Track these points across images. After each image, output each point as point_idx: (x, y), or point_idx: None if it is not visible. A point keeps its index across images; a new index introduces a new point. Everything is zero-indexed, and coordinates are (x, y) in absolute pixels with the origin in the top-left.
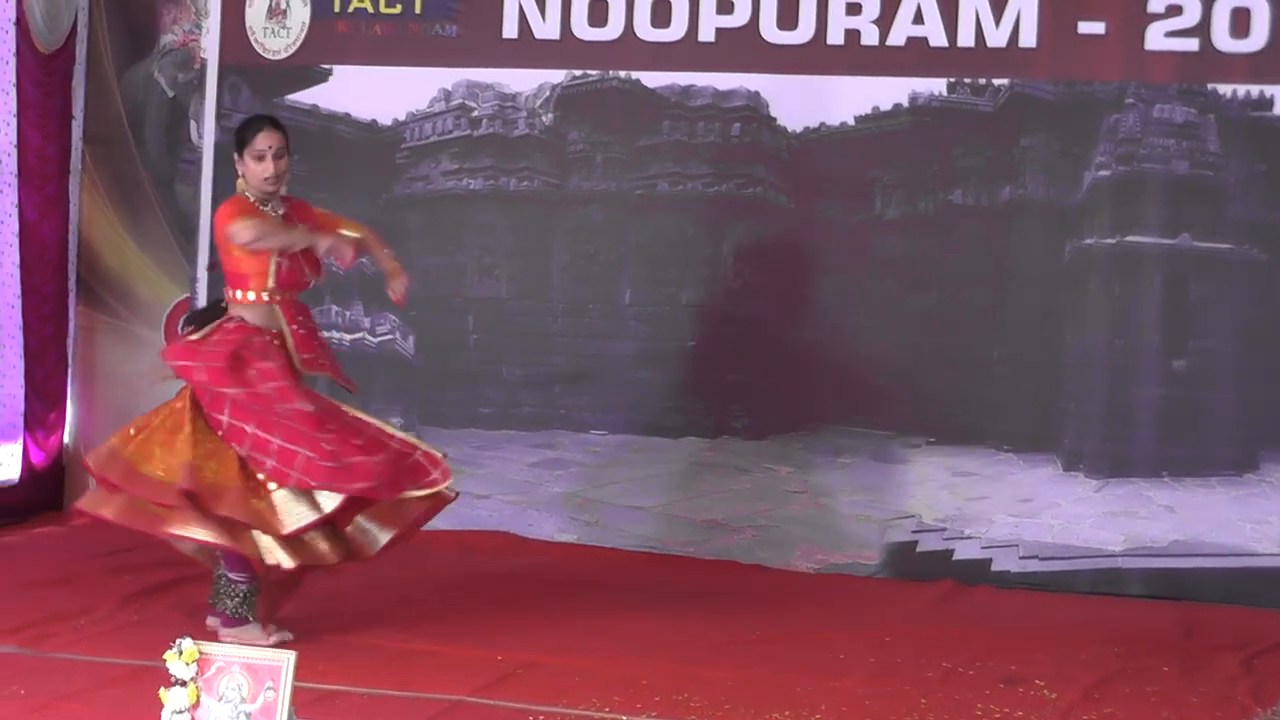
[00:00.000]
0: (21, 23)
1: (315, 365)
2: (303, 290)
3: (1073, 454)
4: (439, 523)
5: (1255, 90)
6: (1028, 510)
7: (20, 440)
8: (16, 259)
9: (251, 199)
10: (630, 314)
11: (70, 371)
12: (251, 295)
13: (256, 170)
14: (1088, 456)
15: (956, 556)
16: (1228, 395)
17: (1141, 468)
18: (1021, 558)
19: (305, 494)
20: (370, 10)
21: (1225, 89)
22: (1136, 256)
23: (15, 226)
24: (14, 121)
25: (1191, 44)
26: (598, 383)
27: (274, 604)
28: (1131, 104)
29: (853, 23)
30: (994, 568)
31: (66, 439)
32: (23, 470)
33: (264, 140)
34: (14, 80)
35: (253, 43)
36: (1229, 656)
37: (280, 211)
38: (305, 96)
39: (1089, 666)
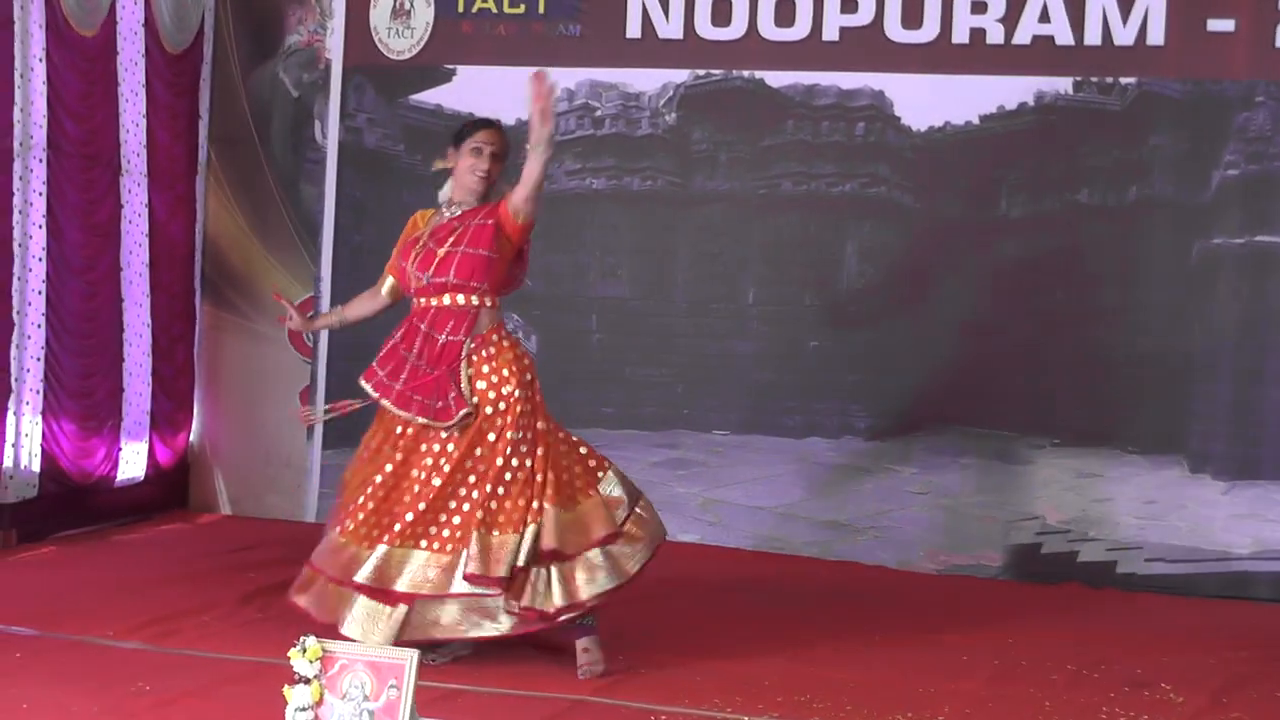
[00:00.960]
0: (150, 24)
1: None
2: (431, 294)
3: (1200, 456)
4: None
5: None
6: (1154, 512)
7: (146, 438)
8: (146, 258)
9: (441, 205)
10: (753, 314)
11: (195, 369)
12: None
13: (468, 163)
14: (1215, 458)
15: (1081, 559)
16: None
17: (1270, 470)
18: (1147, 560)
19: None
20: (494, 10)
21: None
22: (1266, 256)
23: (145, 226)
24: (144, 122)
25: None
26: (720, 382)
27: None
28: (1262, 102)
29: (978, 21)
30: (1119, 570)
31: (192, 437)
32: (148, 467)
33: (485, 137)
34: (144, 81)
35: (377, 43)
36: None
37: (454, 214)
38: (429, 96)
39: (1216, 670)
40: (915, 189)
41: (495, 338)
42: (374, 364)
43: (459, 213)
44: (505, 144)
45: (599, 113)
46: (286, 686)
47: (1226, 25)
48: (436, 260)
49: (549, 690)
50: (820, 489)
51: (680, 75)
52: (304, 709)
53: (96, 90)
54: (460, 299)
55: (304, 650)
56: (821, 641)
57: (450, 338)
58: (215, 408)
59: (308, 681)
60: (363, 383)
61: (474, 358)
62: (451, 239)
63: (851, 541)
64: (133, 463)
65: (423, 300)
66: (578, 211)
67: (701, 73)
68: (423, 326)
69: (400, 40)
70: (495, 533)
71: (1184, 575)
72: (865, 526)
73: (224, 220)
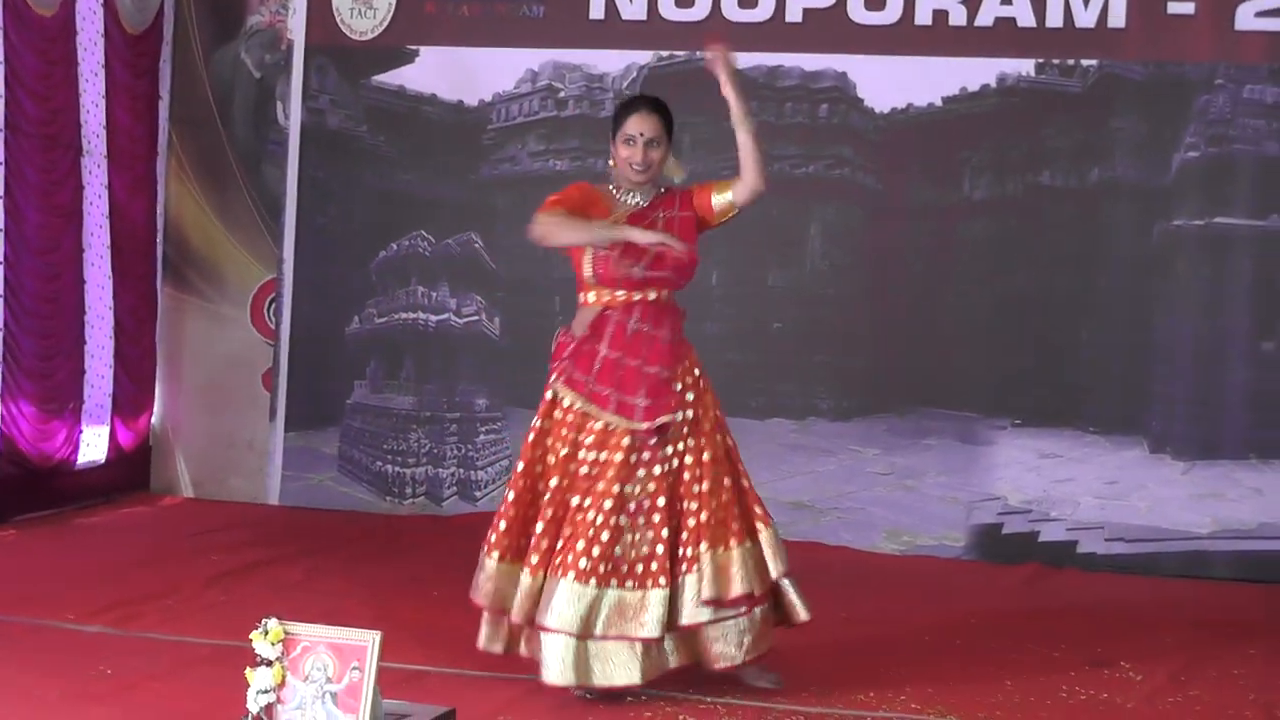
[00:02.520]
0: (109, 4)
1: (596, 399)
2: (644, 288)
3: (1160, 436)
4: None
5: None
6: (1114, 492)
7: (108, 421)
8: (108, 240)
9: (611, 187)
10: (716, 295)
11: (156, 351)
12: (582, 296)
13: (623, 154)
14: (1175, 439)
15: (1042, 539)
16: None
17: (1229, 450)
18: (1107, 540)
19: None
20: None
21: None
22: (1226, 238)
23: (105, 208)
24: (103, 102)
25: None
26: None
27: None
28: (1221, 84)
29: (940, 3)
30: (1080, 550)
31: (153, 419)
32: (110, 450)
33: (636, 124)
34: (103, 61)
35: (339, 24)
36: None
37: (640, 202)
38: (392, 78)
39: (1175, 649)
40: (878, 171)
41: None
42: (574, 375)
43: (644, 201)
44: (664, 125)
45: (562, 94)
46: (249, 669)
47: (1187, 8)
48: (651, 253)
49: (514, 672)
50: (784, 470)
51: (644, 56)
52: (266, 691)
53: (56, 71)
54: (666, 295)
55: (266, 632)
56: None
57: (674, 338)
58: (177, 390)
59: (270, 664)
60: (568, 390)
61: (688, 363)
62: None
63: (815, 522)
64: (94, 445)
65: (630, 294)
66: (541, 193)
67: (665, 54)
68: (635, 324)
69: (363, 21)
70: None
71: (1144, 555)
72: (828, 507)
73: (185, 202)
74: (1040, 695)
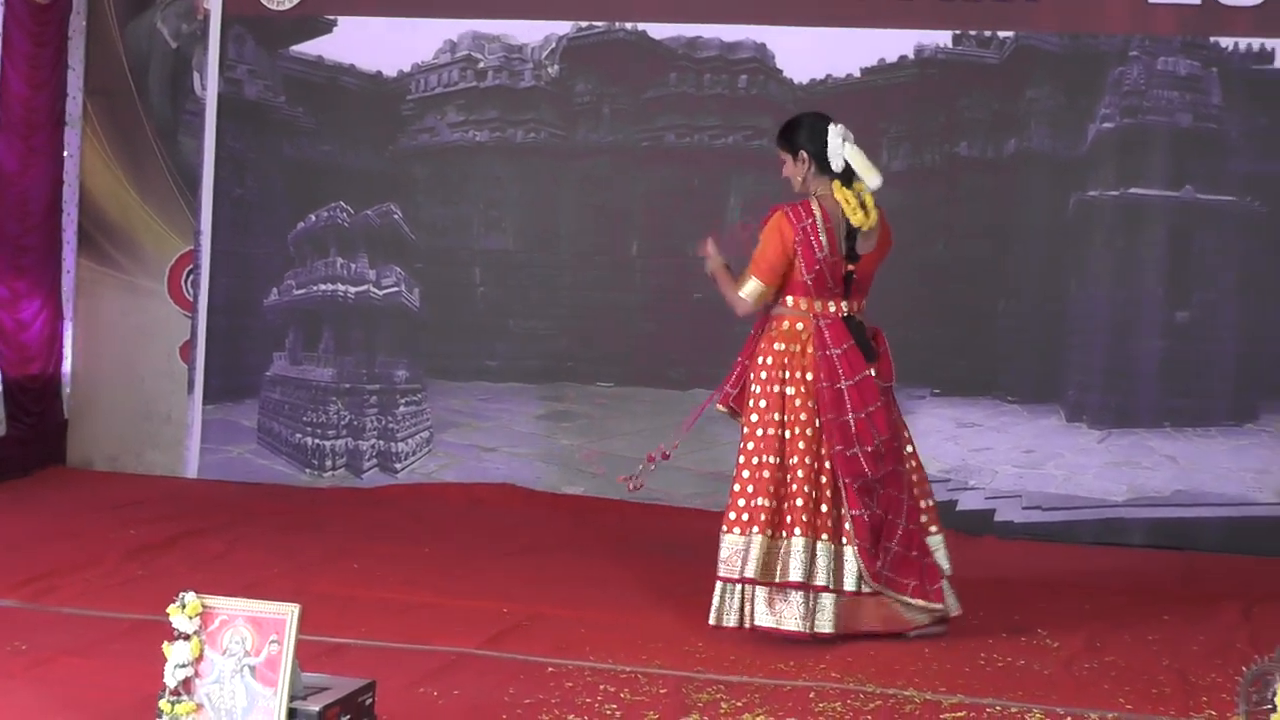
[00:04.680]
0: None
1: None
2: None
3: (1076, 405)
4: (445, 475)
5: (1257, 43)
6: (1031, 461)
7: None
8: None
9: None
10: (637, 266)
11: (70, 323)
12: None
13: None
14: (1091, 408)
15: (960, 507)
16: (1229, 347)
17: (1144, 418)
18: (1025, 508)
19: None
20: None
21: (1228, 42)
22: (1140, 209)
23: None
24: None
25: None
26: (604, 334)
27: None
28: (1136, 56)
29: None
30: (997, 518)
31: (68, 390)
32: (10, 423)
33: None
34: (0, 29)
35: None
36: (1229, 605)
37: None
38: (309, 48)
39: (1091, 616)
40: None
41: None
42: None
43: None
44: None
45: (481, 65)
46: (166, 643)
47: None
48: None
49: (434, 643)
50: (704, 441)
51: (563, 27)
52: (184, 665)
53: None
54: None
55: (183, 606)
56: (706, 592)
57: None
58: (93, 362)
59: (187, 638)
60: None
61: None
62: None
63: None
64: None
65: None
66: (461, 164)
67: (584, 24)
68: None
69: None
70: None
71: (1060, 522)
72: None
73: (101, 173)
74: (958, 662)
